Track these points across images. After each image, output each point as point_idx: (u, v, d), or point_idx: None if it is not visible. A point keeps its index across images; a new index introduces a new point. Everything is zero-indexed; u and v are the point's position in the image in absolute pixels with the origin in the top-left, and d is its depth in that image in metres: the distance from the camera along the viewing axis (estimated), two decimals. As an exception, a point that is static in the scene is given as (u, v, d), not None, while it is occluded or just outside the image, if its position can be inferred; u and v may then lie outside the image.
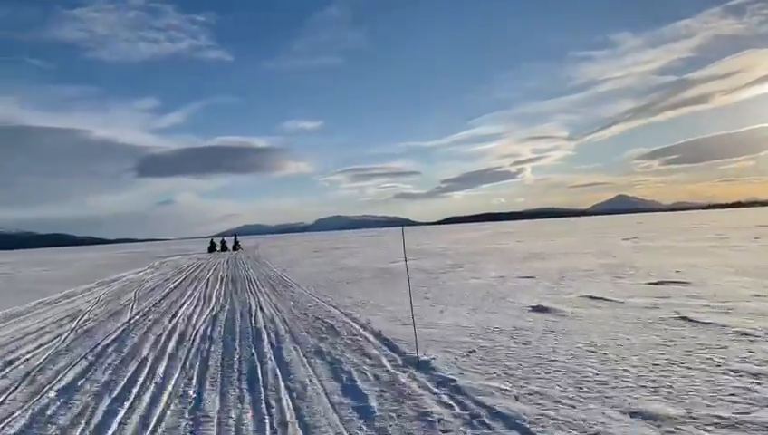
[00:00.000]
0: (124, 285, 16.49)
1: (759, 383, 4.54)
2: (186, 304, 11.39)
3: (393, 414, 4.35)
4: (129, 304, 11.79)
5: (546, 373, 5.14)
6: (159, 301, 12.26)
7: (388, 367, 5.72)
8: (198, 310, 10.46)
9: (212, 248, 44.45)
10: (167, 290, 14.50)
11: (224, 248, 44.82)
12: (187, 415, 4.60)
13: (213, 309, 10.55)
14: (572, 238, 32.56)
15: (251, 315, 9.59)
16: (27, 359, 6.81)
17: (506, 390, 4.74)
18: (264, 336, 7.66)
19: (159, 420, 4.49)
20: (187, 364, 6.28)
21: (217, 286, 14.77)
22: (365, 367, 5.77)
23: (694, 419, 3.89)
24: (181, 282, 16.72)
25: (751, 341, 5.90)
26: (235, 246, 45.06)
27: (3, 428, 4.47)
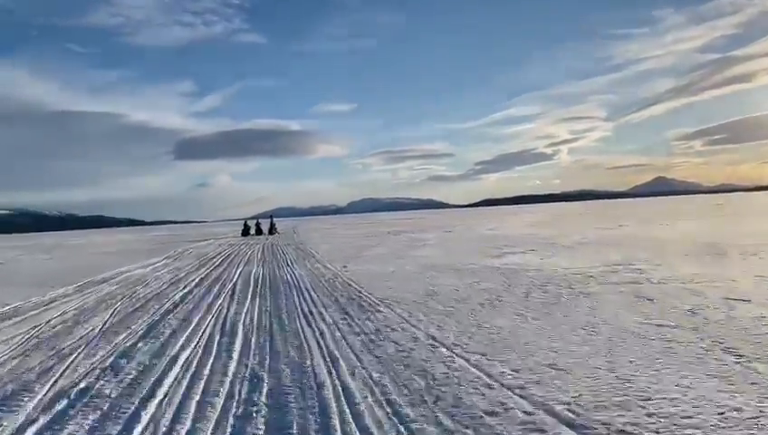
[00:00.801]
0: (111, 291, 11.11)
1: None
2: (185, 345, 5.83)
3: None
4: (72, 355, 6.29)
5: None
6: (140, 334, 6.72)
7: None
8: (205, 361, 4.92)
9: (245, 232, 39.42)
10: (165, 305, 8.99)
11: (258, 232, 39.74)
12: None
13: (238, 366, 4.95)
14: (688, 222, 26.04)
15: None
16: None
17: None
18: None
19: None
20: None
21: (248, 303, 9.17)
22: None
23: None
24: (193, 288, 11.21)
25: None
26: (272, 230, 39.92)
27: None
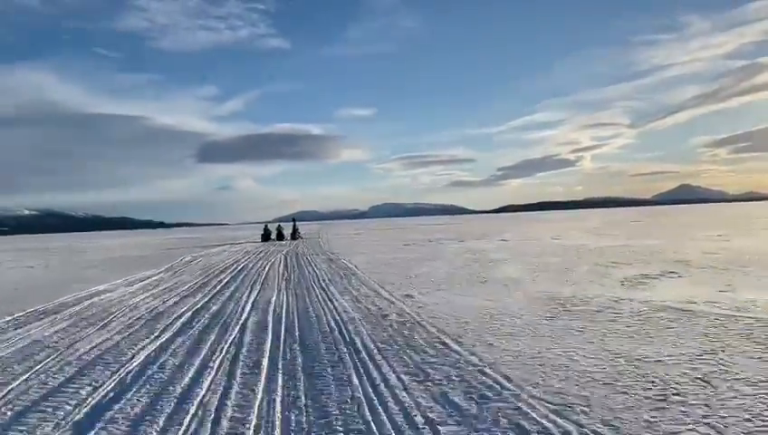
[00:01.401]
0: (36, 341, 6.79)
1: None
2: None
3: None
4: None
5: None
6: None
7: None
8: None
9: (266, 237, 35.23)
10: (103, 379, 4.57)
11: (280, 237, 35.53)
12: None
13: None
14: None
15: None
16: None
17: None
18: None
19: None
20: None
21: (265, 366, 4.73)
22: None
23: None
24: (167, 342, 6.82)
25: None
26: (294, 235, 35.68)
27: None
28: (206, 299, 9.62)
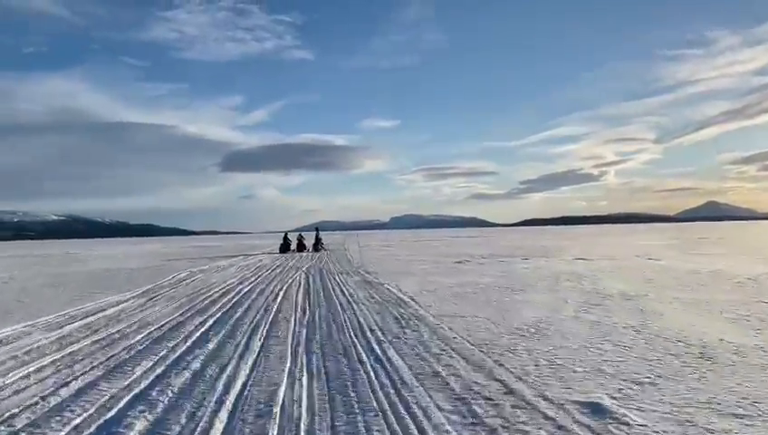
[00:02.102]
0: None
1: None
2: None
3: None
4: None
5: None
6: None
7: None
8: None
9: (285, 247, 30.56)
10: None
11: (300, 247, 30.83)
12: None
13: None
14: None
15: None
16: None
17: None
18: None
19: None
20: None
21: None
22: None
23: None
24: None
25: None
26: (317, 245, 30.93)
27: None
28: (145, 383, 4.75)
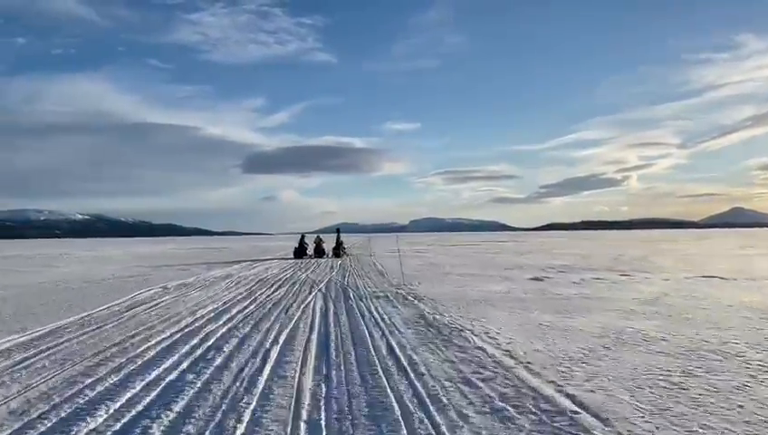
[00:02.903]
0: None
1: None
2: None
3: None
4: None
5: None
6: None
7: None
8: None
9: (300, 252, 25.46)
10: None
11: (319, 252, 25.66)
12: None
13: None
14: None
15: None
16: None
17: None
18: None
19: None
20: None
21: None
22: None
23: None
24: None
25: None
26: (338, 250, 25.70)
27: None
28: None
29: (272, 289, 11.73)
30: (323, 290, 11.42)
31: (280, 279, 14.07)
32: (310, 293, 10.92)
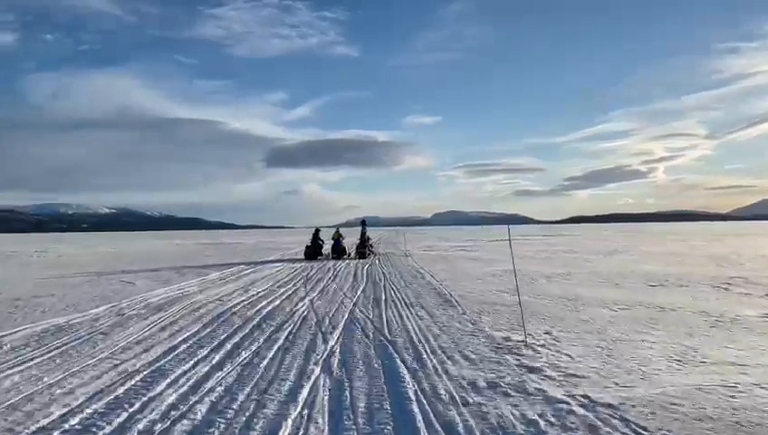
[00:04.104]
0: None
1: None
2: None
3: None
4: None
5: None
6: None
7: None
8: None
9: (313, 251, 19.14)
10: None
11: (337, 252, 19.20)
12: None
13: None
14: None
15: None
16: None
17: None
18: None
19: None
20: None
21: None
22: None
23: None
24: None
25: None
26: (363, 248, 19.05)
27: None
28: None
29: (238, 356, 5.15)
30: (336, 363, 4.80)
31: (272, 311, 7.53)
32: (302, 381, 4.30)
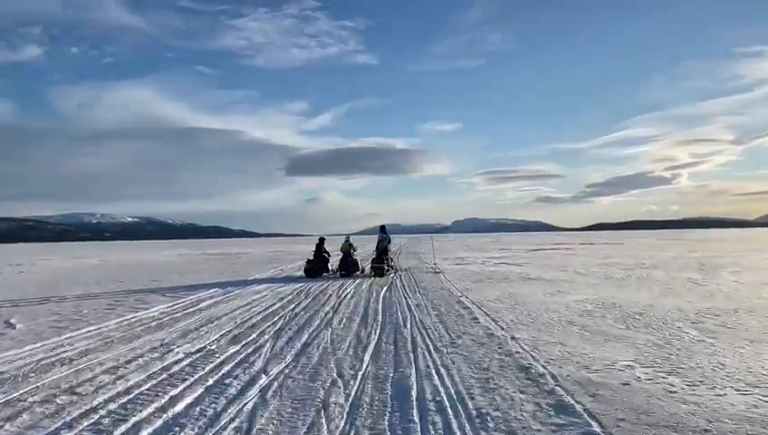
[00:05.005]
0: None
1: None
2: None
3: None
4: None
5: None
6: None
7: None
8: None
9: (315, 268, 14.68)
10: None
11: (346, 266, 14.78)
12: None
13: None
14: None
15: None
16: None
17: None
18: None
19: None
20: None
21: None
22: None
23: None
24: None
25: None
26: (380, 263, 14.49)
27: None
28: None
29: None
30: None
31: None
32: None
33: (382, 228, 15.91)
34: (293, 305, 8.89)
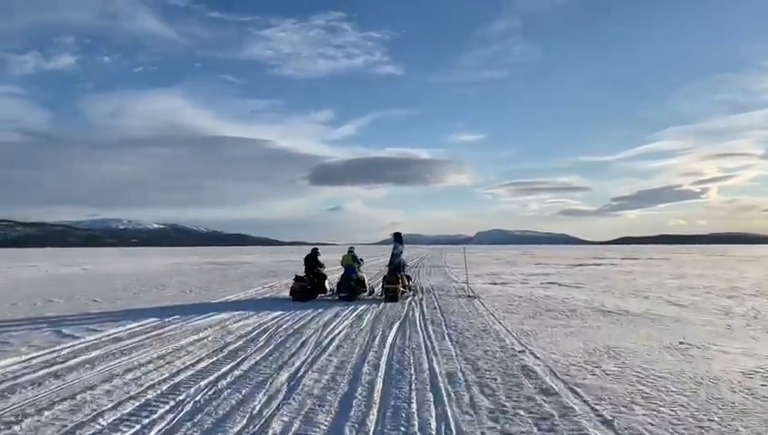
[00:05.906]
0: None
1: None
2: None
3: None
4: None
5: None
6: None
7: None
8: None
9: (306, 288, 10.77)
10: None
11: (349, 287, 10.78)
12: None
13: None
14: None
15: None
16: None
17: None
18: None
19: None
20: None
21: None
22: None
23: None
24: None
25: None
26: (394, 282, 10.50)
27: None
28: None
29: None
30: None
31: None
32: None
33: (397, 236, 11.87)
34: (228, 367, 4.90)
